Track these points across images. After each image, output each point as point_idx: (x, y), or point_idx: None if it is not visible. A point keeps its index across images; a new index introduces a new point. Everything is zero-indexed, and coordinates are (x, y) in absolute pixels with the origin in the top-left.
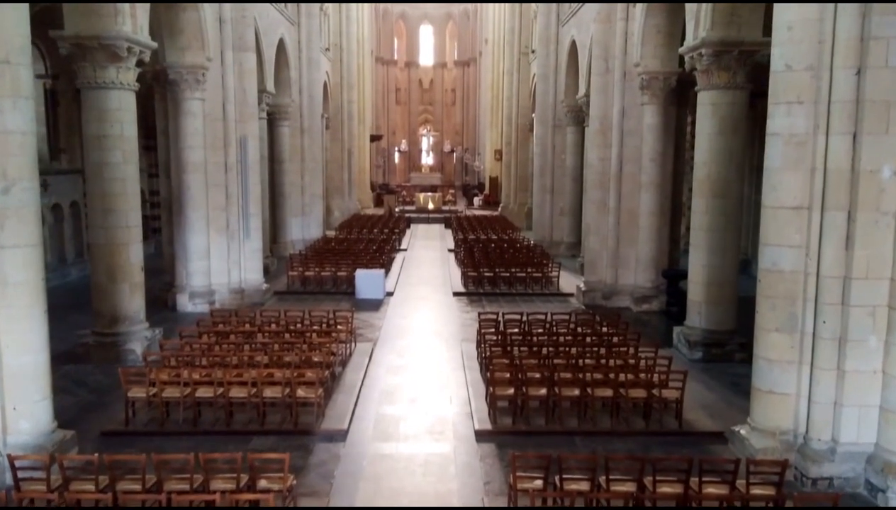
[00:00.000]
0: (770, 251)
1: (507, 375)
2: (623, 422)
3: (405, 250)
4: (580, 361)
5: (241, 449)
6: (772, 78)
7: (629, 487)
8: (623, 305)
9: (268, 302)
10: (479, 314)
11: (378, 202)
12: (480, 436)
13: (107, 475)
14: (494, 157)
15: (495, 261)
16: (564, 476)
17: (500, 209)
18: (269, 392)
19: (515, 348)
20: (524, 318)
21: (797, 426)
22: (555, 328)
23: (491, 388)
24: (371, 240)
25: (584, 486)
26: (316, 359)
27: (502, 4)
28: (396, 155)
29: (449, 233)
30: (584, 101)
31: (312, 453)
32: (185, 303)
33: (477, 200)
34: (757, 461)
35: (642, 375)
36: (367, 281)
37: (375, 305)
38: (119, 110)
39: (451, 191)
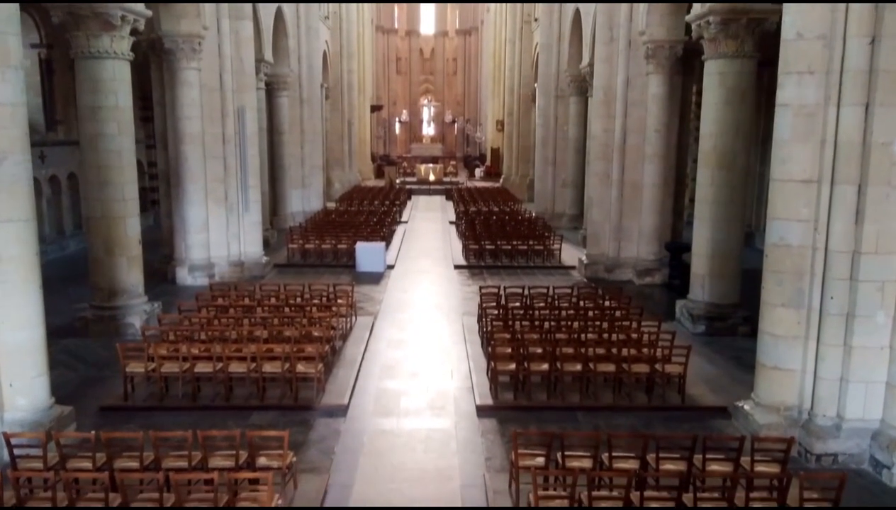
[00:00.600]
0: (778, 225)
1: (509, 350)
2: (625, 397)
3: (406, 222)
4: (582, 336)
5: (241, 424)
6: (782, 47)
7: (632, 464)
8: (625, 278)
9: (268, 275)
10: (481, 288)
11: (379, 173)
12: (482, 411)
13: (104, 453)
14: (496, 128)
15: (497, 234)
16: (566, 453)
17: (501, 181)
18: (269, 367)
19: (517, 322)
20: (526, 292)
21: (802, 402)
22: (557, 302)
23: (492, 363)
24: (371, 212)
25: (586, 463)
26: (316, 333)
27: None
28: (397, 125)
29: (450, 205)
30: (587, 70)
31: (313, 428)
32: (185, 277)
33: (478, 172)
34: (762, 438)
35: (645, 350)
36: (367, 254)
37: (376, 278)
38: (113, 80)
39: (453, 162)
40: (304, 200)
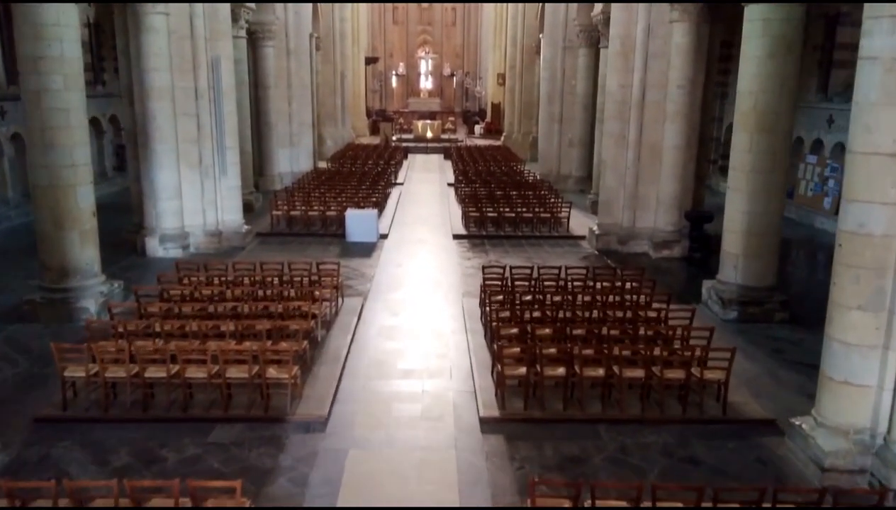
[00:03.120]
0: (857, 209)
1: (518, 350)
2: (655, 406)
3: (401, 184)
4: (603, 330)
5: (199, 442)
6: None
7: None
8: (640, 251)
9: (248, 245)
10: (484, 268)
11: (374, 130)
12: (486, 424)
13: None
14: (497, 82)
15: (499, 200)
16: (598, 503)
17: (502, 139)
18: (235, 371)
19: (525, 311)
20: (534, 274)
21: (877, 425)
22: (570, 285)
23: (498, 366)
24: (365, 173)
25: None
26: (294, 326)
27: None
28: (394, 79)
29: (448, 164)
30: (600, 18)
31: (284, 449)
32: (156, 248)
33: (478, 128)
34: (850, 491)
35: (676, 347)
36: (358, 222)
37: (367, 250)
38: (58, 26)
39: (451, 118)
40: (292, 160)
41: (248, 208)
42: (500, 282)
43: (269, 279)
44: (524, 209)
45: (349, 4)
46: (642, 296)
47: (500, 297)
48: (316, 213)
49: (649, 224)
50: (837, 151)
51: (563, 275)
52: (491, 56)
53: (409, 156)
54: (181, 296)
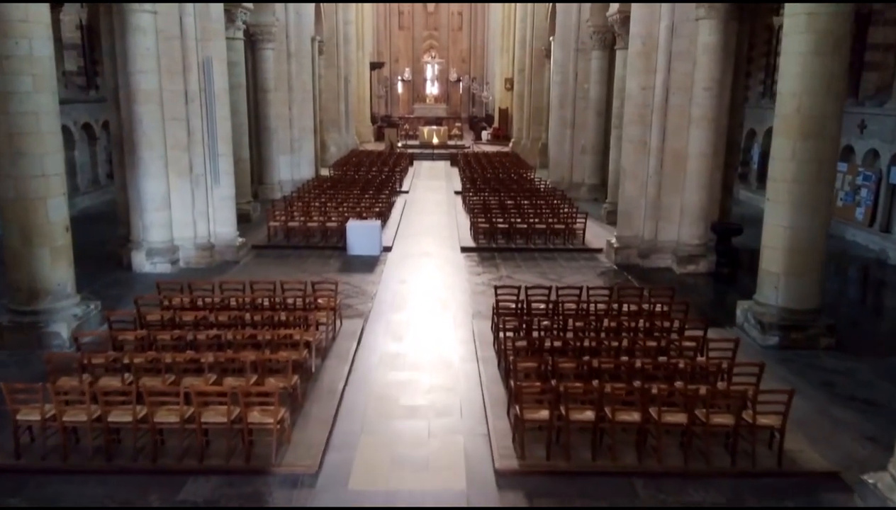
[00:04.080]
0: None
1: (538, 387)
2: (699, 455)
3: (406, 192)
4: (635, 362)
5: (169, 497)
6: None
7: None
8: (663, 265)
9: (243, 260)
10: (496, 288)
11: (379, 136)
12: (503, 477)
13: None
14: (504, 87)
15: (510, 210)
16: None
17: (511, 145)
18: (212, 415)
19: (545, 339)
20: (552, 296)
21: None
22: (593, 306)
23: (516, 407)
24: (369, 181)
25: None
26: (284, 355)
27: None
28: (399, 84)
29: (455, 171)
30: (616, 18)
31: None
32: (142, 262)
33: (485, 134)
34: None
35: (720, 384)
36: (360, 234)
37: (369, 264)
38: (26, 22)
39: (458, 124)
40: (293, 167)
41: (244, 218)
42: (514, 304)
43: (260, 301)
44: (536, 220)
45: (353, 7)
46: (675, 322)
47: (515, 322)
48: (315, 225)
49: (672, 237)
50: (869, 158)
51: (584, 296)
52: (498, 60)
53: (415, 162)
54: (160, 321)
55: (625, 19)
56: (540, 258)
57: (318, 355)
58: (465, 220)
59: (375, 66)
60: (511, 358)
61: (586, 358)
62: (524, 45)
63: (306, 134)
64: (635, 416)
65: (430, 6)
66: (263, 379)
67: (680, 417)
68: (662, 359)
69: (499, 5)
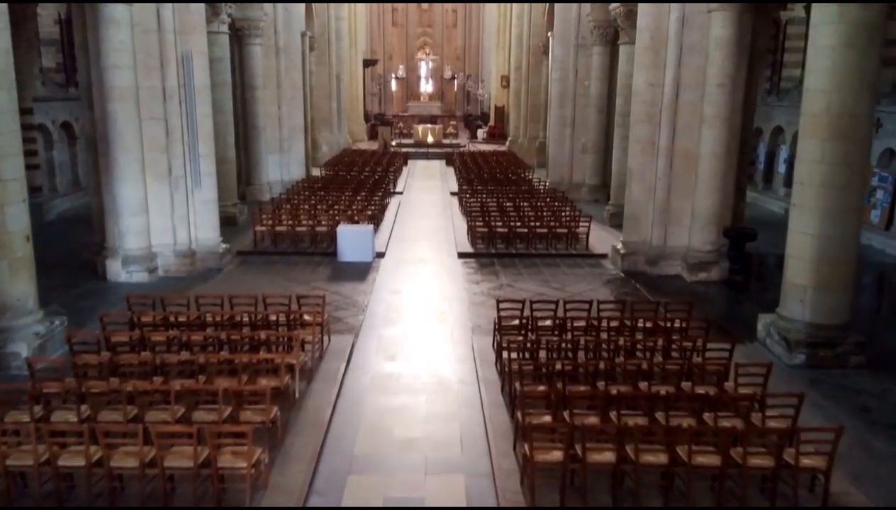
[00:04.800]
0: None
1: (549, 423)
2: (733, 498)
3: (401, 193)
4: (653, 388)
5: None
6: None
7: None
8: (672, 273)
9: (227, 267)
10: (498, 302)
11: (373, 134)
12: None
13: None
14: (500, 84)
15: (509, 213)
16: None
17: (507, 144)
18: (176, 459)
19: (553, 361)
20: (559, 310)
21: None
22: (605, 323)
23: (525, 447)
24: (361, 181)
25: None
26: (262, 383)
27: None
28: (393, 82)
29: (451, 171)
30: (619, 12)
31: None
32: (118, 271)
33: (481, 133)
34: None
35: (749, 411)
36: (351, 240)
37: (361, 272)
38: None
39: (453, 122)
40: (282, 167)
41: (230, 222)
42: (517, 320)
43: (239, 318)
44: (537, 223)
45: (346, 4)
46: (697, 340)
47: (520, 339)
48: (304, 229)
49: (683, 242)
50: (885, 159)
51: (593, 310)
52: (494, 57)
53: (409, 162)
54: (128, 342)
55: (629, 13)
56: (542, 264)
57: (302, 378)
58: (461, 223)
59: (369, 63)
60: (516, 385)
61: (601, 383)
62: (521, 42)
63: (296, 133)
64: (662, 458)
65: (425, 3)
66: (239, 410)
67: (713, 459)
68: (686, 384)
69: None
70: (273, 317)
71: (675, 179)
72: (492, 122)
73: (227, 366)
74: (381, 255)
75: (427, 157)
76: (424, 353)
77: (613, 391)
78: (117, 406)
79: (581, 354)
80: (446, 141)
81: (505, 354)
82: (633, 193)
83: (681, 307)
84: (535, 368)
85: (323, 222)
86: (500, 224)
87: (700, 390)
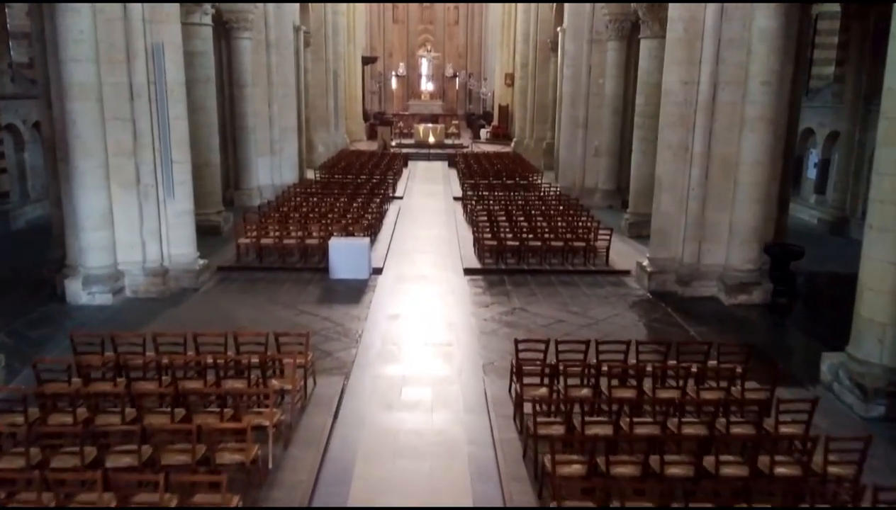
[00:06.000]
0: None
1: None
2: None
3: (401, 198)
4: (724, 468)
5: None
6: None
7: None
8: (707, 294)
9: (204, 286)
10: (517, 343)
11: (371, 134)
12: None
13: None
14: (505, 83)
15: (520, 223)
16: None
17: (513, 145)
18: None
19: (590, 424)
20: (590, 355)
21: None
22: (649, 367)
23: None
24: (358, 186)
25: None
26: (225, 455)
27: None
28: (393, 80)
29: (454, 173)
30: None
31: None
32: (78, 292)
33: (484, 133)
34: None
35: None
36: (345, 255)
37: (356, 291)
38: None
39: (455, 122)
40: (273, 171)
41: (213, 231)
42: (540, 364)
43: (204, 363)
44: (552, 236)
45: None
46: (761, 392)
47: (544, 390)
48: (294, 241)
49: (719, 260)
50: None
51: (634, 356)
52: (498, 55)
53: (410, 163)
54: (68, 395)
55: (651, 5)
56: (557, 283)
57: (279, 439)
58: (466, 233)
59: (368, 60)
60: (545, 460)
61: (653, 457)
62: (527, 39)
63: (288, 133)
64: None
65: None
66: (191, 496)
67: None
68: (763, 459)
69: None
70: (247, 360)
71: (710, 189)
72: (495, 122)
73: (180, 436)
74: (378, 272)
75: (428, 158)
76: (428, 402)
77: (673, 471)
78: (35, 485)
79: (619, 413)
80: (448, 141)
81: (527, 408)
82: (663, 204)
83: (734, 349)
84: (565, 433)
85: (314, 234)
86: (510, 236)
87: (782, 470)
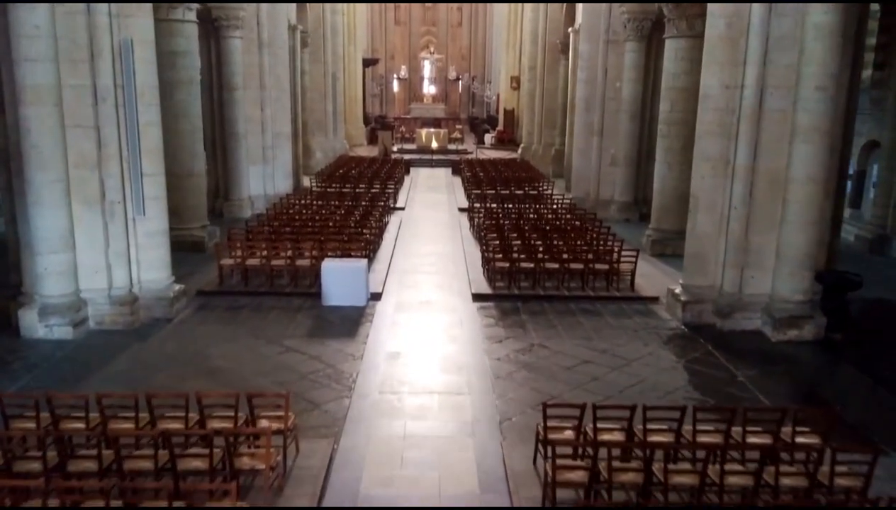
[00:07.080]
0: None
1: None
2: None
3: (402, 209)
4: None
5: None
6: None
7: None
8: (750, 328)
9: (179, 315)
10: (545, 406)
11: (372, 139)
12: None
13: None
14: (511, 86)
15: (534, 242)
16: None
17: (520, 151)
18: None
19: None
20: (631, 425)
21: None
22: (715, 457)
23: None
24: (356, 197)
25: None
26: None
27: None
28: (395, 83)
29: (458, 181)
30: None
31: None
32: (34, 325)
33: (489, 138)
34: None
35: None
36: (340, 279)
37: (351, 322)
38: None
39: (458, 126)
40: (266, 179)
41: (196, 248)
42: (574, 442)
43: (159, 430)
44: (570, 256)
45: None
46: (848, 476)
47: (580, 472)
48: (282, 262)
49: (765, 290)
50: None
51: (689, 435)
52: (503, 57)
53: (412, 170)
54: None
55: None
56: (579, 312)
57: None
58: (473, 249)
59: (369, 62)
60: None
61: None
62: (535, 40)
63: (283, 140)
64: None
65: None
66: None
67: None
68: None
69: None
70: (211, 430)
71: (755, 209)
72: (501, 127)
73: None
74: (376, 297)
75: (431, 164)
76: (435, 476)
77: None
78: None
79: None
80: (452, 146)
81: (561, 493)
82: (699, 225)
83: (814, 417)
84: None
85: (305, 254)
86: (523, 257)
87: None
